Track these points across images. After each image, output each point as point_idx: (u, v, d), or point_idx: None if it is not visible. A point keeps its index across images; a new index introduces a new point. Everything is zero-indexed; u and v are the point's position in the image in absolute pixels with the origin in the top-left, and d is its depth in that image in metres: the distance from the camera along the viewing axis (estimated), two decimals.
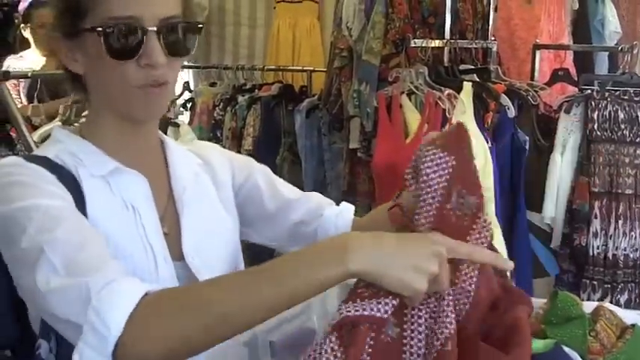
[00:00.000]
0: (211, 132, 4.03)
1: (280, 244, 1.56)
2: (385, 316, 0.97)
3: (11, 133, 2.37)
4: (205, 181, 1.40)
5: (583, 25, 3.69)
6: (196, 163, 1.41)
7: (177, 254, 1.27)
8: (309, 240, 1.49)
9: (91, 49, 1.18)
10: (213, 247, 1.34)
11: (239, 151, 3.74)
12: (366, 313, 0.97)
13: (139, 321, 0.97)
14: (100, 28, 1.15)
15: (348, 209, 1.55)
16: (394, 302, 0.97)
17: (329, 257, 0.98)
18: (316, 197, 1.56)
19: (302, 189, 3.77)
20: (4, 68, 3.99)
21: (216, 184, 1.42)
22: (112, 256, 1.09)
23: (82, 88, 1.28)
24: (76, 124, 2.54)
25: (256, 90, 4.09)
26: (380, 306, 0.97)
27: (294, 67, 4.48)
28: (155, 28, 1.16)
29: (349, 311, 0.97)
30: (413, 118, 2.79)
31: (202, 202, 1.37)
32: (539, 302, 1.32)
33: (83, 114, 2.70)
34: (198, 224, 1.32)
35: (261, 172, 1.51)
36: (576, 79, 3.29)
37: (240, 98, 3.98)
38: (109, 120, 1.26)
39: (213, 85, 4.42)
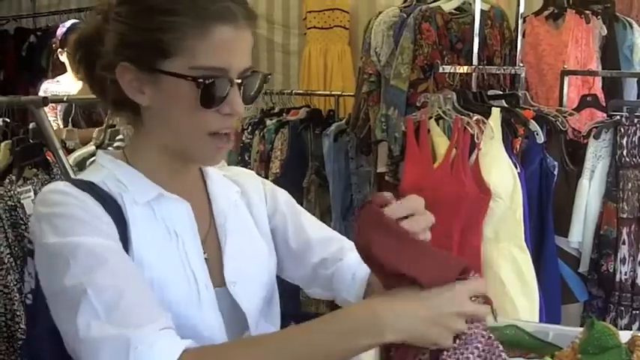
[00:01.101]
0: (240, 155, 4.06)
1: (303, 283, 1.54)
2: None
3: (47, 157, 2.41)
4: (243, 210, 1.42)
5: (612, 51, 3.69)
6: (235, 191, 1.42)
7: (218, 281, 1.28)
8: (326, 283, 1.47)
9: (169, 89, 1.18)
10: (252, 274, 1.35)
11: (267, 175, 3.78)
12: None
13: None
14: (190, 77, 1.16)
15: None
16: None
17: (364, 330, 1.04)
18: (338, 241, 1.50)
19: (329, 212, 3.80)
20: (41, 92, 4.09)
21: (252, 212, 1.43)
22: (154, 301, 1.11)
23: (134, 116, 1.28)
24: (112, 148, 2.59)
25: (284, 114, 4.13)
26: None
27: (322, 92, 4.53)
28: (239, 80, 1.20)
29: None
30: (441, 142, 2.81)
31: (241, 230, 1.38)
32: (575, 331, 1.32)
33: (117, 137, 2.75)
34: (238, 252, 1.34)
35: (291, 208, 1.50)
36: (605, 104, 3.29)
37: (268, 122, 4.02)
38: (160, 154, 1.27)
39: None
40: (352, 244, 1.39)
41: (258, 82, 1.26)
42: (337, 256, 1.46)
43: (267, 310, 1.39)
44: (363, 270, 1.40)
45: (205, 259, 1.28)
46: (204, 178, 1.38)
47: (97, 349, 1.03)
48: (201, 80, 1.16)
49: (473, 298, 1.07)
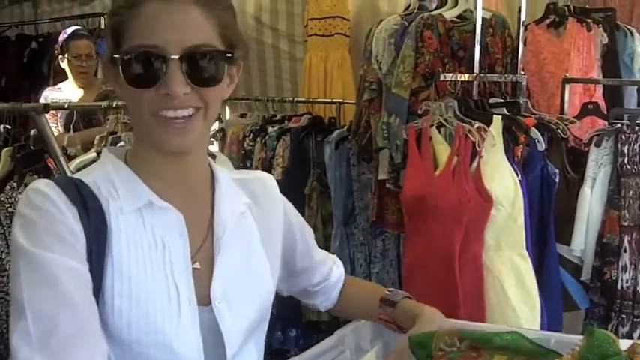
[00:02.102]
0: (241, 162, 4.07)
1: (287, 293, 1.64)
2: None
3: (48, 164, 2.41)
4: (249, 224, 1.38)
5: (612, 59, 3.69)
6: (244, 202, 1.38)
7: (204, 296, 1.25)
8: (309, 295, 1.66)
9: (119, 76, 1.18)
10: (243, 295, 1.31)
11: None
12: None
13: None
14: (119, 56, 1.16)
15: (342, 274, 1.70)
16: None
17: None
18: (330, 261, 1.68)
19: (331, 219, 3.79)
20: (42, 99, 4.10)
21: (262, 228, 1.39)
22: (94, 336, 1.08)
23: None
24: (121, 145, 2.58)
25: (286, 121, 4.13)
26: None
27: (324, 99, 4.53)
28: (177, 57, 1.14)
29: None
30: (442, 150, 2.81)
31: (241, 245, 1.34)
32: (576, 339, 1.32)
33: (118, 144, 2.76)
34: (231, 268, 1.30)
35: (300, 228, 1.55)
36: (605, 112, 3.30)
37: (269, 129, 4.03)
38: (146, 148, 1.24)
39: (243, 116, 4.49)
40: (335, 258, 1.68)
41: (215, 61, 1.19)
42: (326, 277, 1.66)
43: (254, 332, 1.34)
44: (336, 290, 1.68)
45: (196, 268, 1.24)
46: (213, 184, 1.35)
47: None
48: (127, 57, 1.15)
49: None
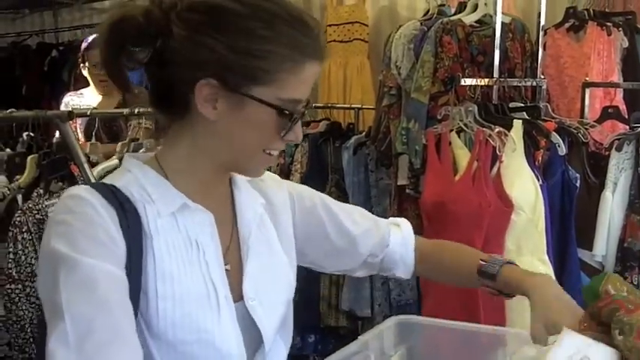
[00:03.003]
0: None
1: (347, 270, 1.65)
2: None
3: (72, 171, 2.43)
4: (268, 224, 1.41)
5: (633, 63, 3.67)
6: (260, 203, 1.41)
7: (236, 294, 1.28)
8: (375, 267, 1.62)
9: (251, 113, 1.19)
10: (271, 292, 1.35)
11: None
12: None
13: None
14: (276, 107, 1.19)
15: (409, 234, 1.64)
16: None
17: None
18: (378, 228, 1.61)
19: None
20: (63, 104, 4.13)
21: (276, 224, 1.43)
22: (130, 340, 1.09)
23: (177, 120, 1.26)
24: (143, 152, 2.59)
25: (304, 127, 4.14)
26: None
27: (342, 105, 4.54)
28: (305, 111, 1.25)
29: None
30: (462, 155, 2.81)
31: (264, 246, 1.38)
32: None
33: (140, 151, 2.78)
34: (259, 268, 1.33)
35: (323, 205, 1.54)
36: (626, 116, 3.28)
37: None
38: (205, 163, 1.26)
39: None
40: (387, 222, 1.64)
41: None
42: (383, 243, 1.60)
43: (283, 327, 1.38)
44: (409, 251, 1.62)
45: (226, 269, 1.27)
46: (231, 187, 1.37)
47: None
48: (286, 112, 1.19)
49: None
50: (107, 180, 1.26)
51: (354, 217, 1.58)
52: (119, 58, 1.21)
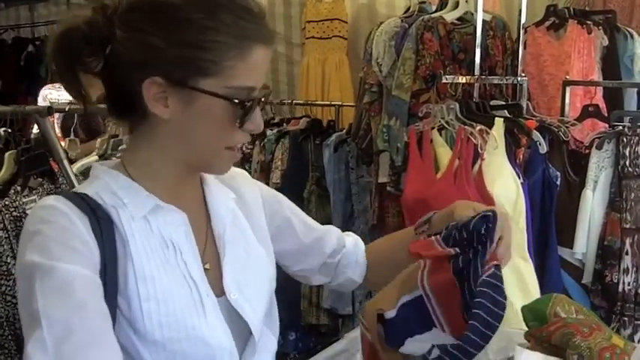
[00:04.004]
0: (240, 165, 4.06)
1: (306, 274, 1.65)
2: None
3: (52, 167, 2.39)
4: (241, 219, 1.41)
5: (613, 62, 3.69)
6: (232, 198, 1.41)
7: (217, 291, 1.28)
8: (331, 269, 1.64)
9: (201, 107, 1.17)
10: (252, 283, 1.35)
11: (267, 184, 3.77)
12: None
13: None
14: (226, 97, 1.17)
15: (358, 238, 1.70)
16: None
17: None
18: (334, 230, 1.67)
19: (330, 222, 3.81)
20: (40, 98, 4.08)
21: (249, 217, 1.43)
22: (109, 343, 1.08)
23: (137, 126, 1.25)
24: (114, 158, 2.58)
25: (284, 124, 4.13)
26: None
27: (323, 102, 4.53)
28: (263, 98, 1.23)
29: None
30: (444, 153, 2.80)
31: (240, 239, 1.38)
32: None
33: (120, 147, 2.74)
34: (238, 262, 1.34)
35: (288, 207, 1.58)
36: (606, 114, 3.30)
37: (268, 132, 4.02)
38: (168, 163, 1.25)
39: None
40: (338, 230, 1.67)
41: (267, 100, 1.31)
42: (340, 244, 1.65)
43: (269, 318, 1.39)
44: (360, 252, 1.66)
45: (206, 269, 1.27)
46: (202, 186, 1.37)
47: None
48: (236, 100, 1.17)
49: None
50: (78, 189, 1.26)
51: (314, 222, 1.64)
52: (72, 69, 1.22)
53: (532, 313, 1.35)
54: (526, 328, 2.56)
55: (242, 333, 1.30)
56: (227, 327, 1.25)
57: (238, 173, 1.49)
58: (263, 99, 1.23)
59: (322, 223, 1.65)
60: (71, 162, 2.63)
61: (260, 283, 1.38)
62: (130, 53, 1.16)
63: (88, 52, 1.19)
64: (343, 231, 1.69)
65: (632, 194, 2.85)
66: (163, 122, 1.20)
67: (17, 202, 2.20)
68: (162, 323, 1.17)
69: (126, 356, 1.13)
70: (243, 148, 4.10)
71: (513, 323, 2.57)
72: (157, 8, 1.15)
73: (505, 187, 2.70)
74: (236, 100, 1.17)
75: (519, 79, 3.25)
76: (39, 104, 3.94)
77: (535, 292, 2.72)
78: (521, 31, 3.31)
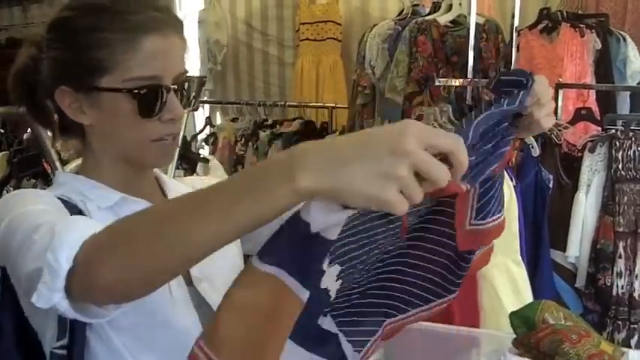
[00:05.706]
0: (233, 167, 4.05)
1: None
2: None
3: (45, 168, 2.39)
4: None
5: (605, 65, 3.70)
6: (191, 189, 1.43)
7: (186, 279, 1.29)
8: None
9: (108, 105, 1.20)
10: (219, 272, 1.33)
11: None
12: None
13: (88, 253, 0.95)
14: (126, 89, 1.18)
15: None
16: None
17: (273, 173, 0.80)
18: None
19: None
20: None
21: None
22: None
23: (81, 138, 1.30)
24: (71, 168, 2.58)
25: (277, 126, 4.12)
26: None
27: (316, 104, 4.53)
28: (175, 86, 1.22)
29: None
30: None
31: None
32: None
33: None
34: None
35: None
36: (599, 118, 3.30)
37: (261, 134, 4.02)
38: (112, 165, 1.28)
39: (234, 120, 4.47)
40: None
41: (195, 86, 1.30)
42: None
43: None
44: None
45: None
46: (160, 185, 1.39)
47: (31, 255, 1.01)
48: (136, 91, 1.18)
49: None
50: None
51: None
52: (34, 100, 1.29)
53: (520, 319, 1.35)
54: None
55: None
56: (195, 313, 1.27)
57: (200, 178, 1.54)
58: (175, 86, 1.22)
59: None
60: (64, 163, 2.62)
61: (227, 271, 1.33)
62: (46, 72, 1.24)
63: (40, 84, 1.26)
64: None
65: (625, 197, 2.86)
66: (90, 128, 1.25)
67: None
68: (128, 310, 1.14)
69: (99, 342, 1.17)
70: (237, 150, 4.09)
71: (506, 327, 2.58)
72: (58, 25, 1.24)
73: None
74: (136, 91, 1.18)
75: None
76: None
77: (527, 296, 2.72)
78: (515, 34, 3.31)
